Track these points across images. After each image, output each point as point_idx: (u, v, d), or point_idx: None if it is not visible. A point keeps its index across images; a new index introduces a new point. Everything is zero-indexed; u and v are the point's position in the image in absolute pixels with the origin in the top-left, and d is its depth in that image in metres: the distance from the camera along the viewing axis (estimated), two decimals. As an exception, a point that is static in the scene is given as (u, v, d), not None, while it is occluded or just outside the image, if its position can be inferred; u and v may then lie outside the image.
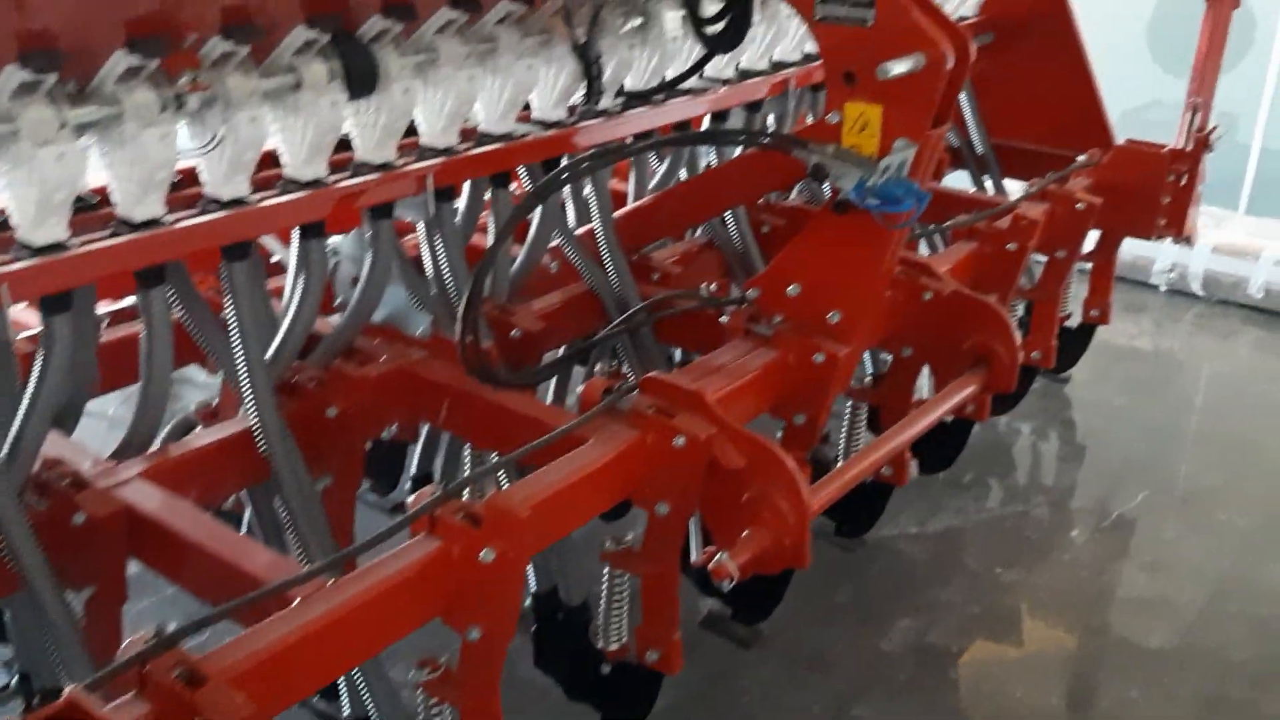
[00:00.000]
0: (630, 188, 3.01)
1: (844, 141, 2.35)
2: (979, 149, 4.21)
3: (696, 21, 2.61)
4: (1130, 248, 4.34)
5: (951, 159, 4.25)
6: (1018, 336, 2.87)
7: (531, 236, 2.72)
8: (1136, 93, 6.41)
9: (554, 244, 2.79)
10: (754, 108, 3.11)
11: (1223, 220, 5.46)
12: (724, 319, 2.64)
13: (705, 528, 2.32)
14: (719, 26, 2.60)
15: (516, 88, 2.39)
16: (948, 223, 3.33)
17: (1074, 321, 4.16)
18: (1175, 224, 3.82)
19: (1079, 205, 3.50)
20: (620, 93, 2.73)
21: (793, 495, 2.15)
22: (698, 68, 2.73)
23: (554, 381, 3.05)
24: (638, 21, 2.66)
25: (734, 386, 2.37)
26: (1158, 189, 3.75)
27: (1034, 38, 4.07)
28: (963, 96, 4.14)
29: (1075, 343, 4.26)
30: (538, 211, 2.66)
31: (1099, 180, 3.79)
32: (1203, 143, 3.78)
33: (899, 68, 2.18)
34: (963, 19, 4.00)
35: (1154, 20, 6.39)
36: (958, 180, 4.31)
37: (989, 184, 4.24)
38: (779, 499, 2.16)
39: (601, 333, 2.60)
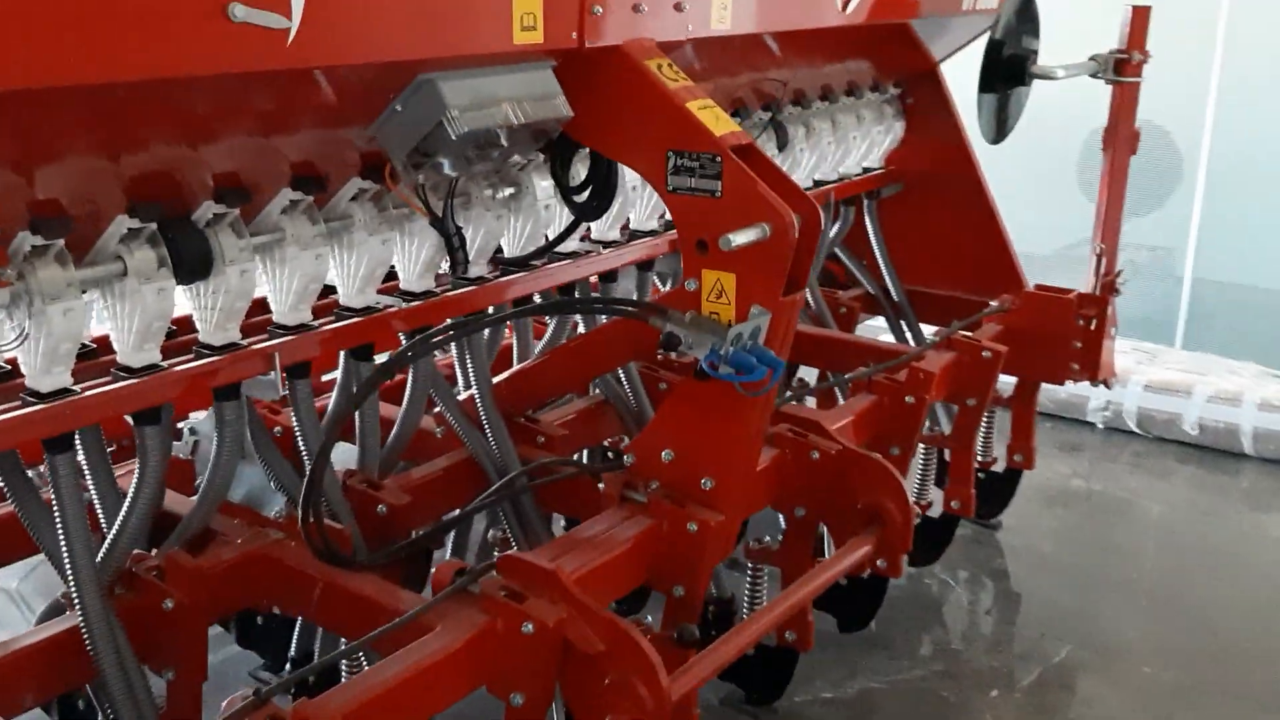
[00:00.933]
0: (515, 349, 2.98)
1: (703, 308, 2.33)
2: (894, 296, 4.20)
3: (564, 190, 2.61)
4: (1065, 385, 4.31)
5: (868, 306, 4.25)
6: (910, 493, 2.81)
7: (405, 405, 2.67)
8: (1070, 231, 6.51)
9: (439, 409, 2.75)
10: (645, 267, 3.09)
11: (1158, 356, 5.45)
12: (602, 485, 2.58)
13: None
14: (586, 195, 2.59)
15: (372, 262, 2.36)
16: (848, 375, 3.30)
17: (1000, 466, 4.11)
18: (1089, 367, 3.80)
19: (985, 354, 3.48)
20: (499, 259, 2.71)
21: (651, 681, 2.05)
22: (567, 233, 2.72)
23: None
24: (509, 191, 2.65)
25: (599, 562, 2.29)
26: (1068, 334, 3.75)
27: (942, 187, 4.10)
28: (875, 245, 4.16)
29: (1003, 488, 4.20)
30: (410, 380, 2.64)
31: (1010, 326, 3.79)
32: (1109, 286, 3.78)
33: (741, 238, 2.16)
34: (868, 170, 4.04)
35: (1083, 160, 6.51)
36: (877, 328, 4.31)
37: (908, 331, 4.23)
38: (638, 685, 2.07)
39: (468, 506, 2.53)
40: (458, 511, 2.66)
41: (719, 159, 2.25)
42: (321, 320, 2.36)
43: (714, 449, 2.42)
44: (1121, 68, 3.60)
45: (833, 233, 4.08)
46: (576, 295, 2.88)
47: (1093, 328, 3.75)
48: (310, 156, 2.19)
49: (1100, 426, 5.14)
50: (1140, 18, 3.57)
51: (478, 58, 2.09)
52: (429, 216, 2.38)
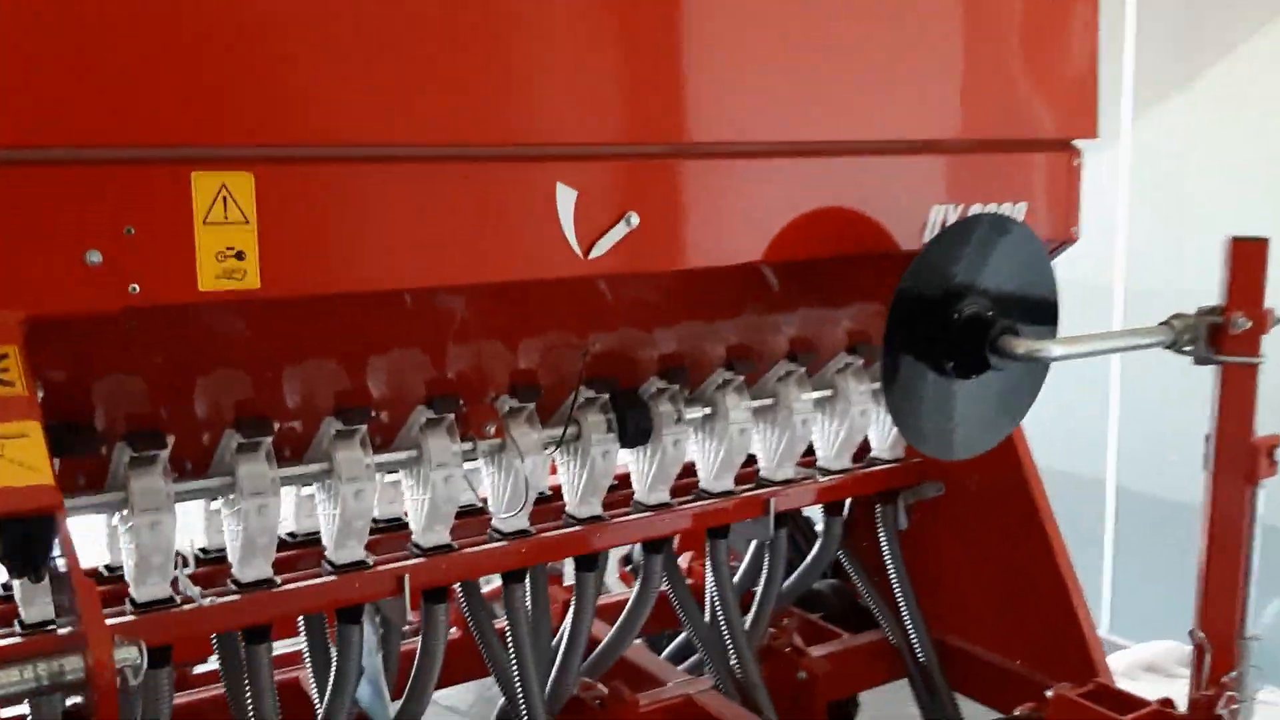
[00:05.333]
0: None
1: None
2: (919, 651, 2.79)
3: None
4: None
5: (887, 661, 2.86)
6: None
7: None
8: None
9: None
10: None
11: None
12: None
13: None
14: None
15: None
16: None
17: None
18: (1173, 833, 2.21)
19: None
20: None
21: None
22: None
23: None
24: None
25: None
26: (1130, 774, 2.20)
27: (990, 500, 2.71)
28: (892, 572, 2.81)
29: None
30: None
31: (1046, 743, 2.31)
32: (1210, 704, 2.19)
33: None
34: (875, 461, 2.74)
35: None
36: (897, 693, 2.88)
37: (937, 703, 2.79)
38: None
39: None
40: None
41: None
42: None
43: None
44: (1219, 339, 2.12)
45: (812, 555, 2.79)
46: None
47: (1181, 768, 2.18)
48: None
49: None
50: (1250, 258, 2.10)
51: None
52: None
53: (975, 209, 2.25)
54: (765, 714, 2.52)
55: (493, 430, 2.16)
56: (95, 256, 1.46)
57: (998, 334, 1.99)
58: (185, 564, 2.14)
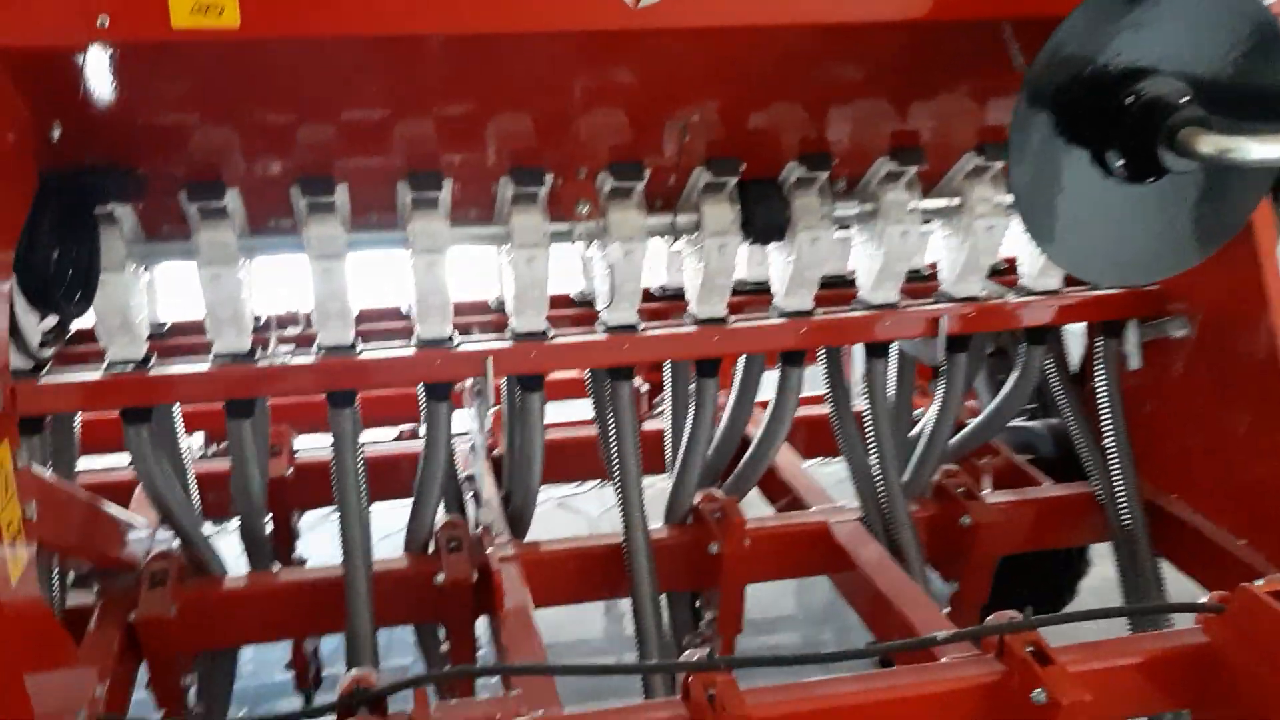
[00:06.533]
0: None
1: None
2: (1125, 518, 2.36)
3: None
4: None
5: (1091, 515, 2.45)
6: None
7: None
8: None
9: None
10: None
11: None
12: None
13: None
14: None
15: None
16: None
17: None
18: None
19: (1038, 696, 1.73)
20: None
21: None
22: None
23: None
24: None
25: None
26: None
27: (1232, 352, 2.18)
28: (1111, 416, 2.37)
29: None
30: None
31: (1219, 640, 1.89)
32: None
33: None
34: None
35: None
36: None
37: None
38: None
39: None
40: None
41: None
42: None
43: None
44: None
45: (1006, 389, 2.40)
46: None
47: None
48: None
49: None
50: None
51: None
52: None
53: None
54: (907, 554, 2.24)
55: (585, 211, 1.96)
56: (57, -13, 1.39)
57: (1178, 125, 1.51)
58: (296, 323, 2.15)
